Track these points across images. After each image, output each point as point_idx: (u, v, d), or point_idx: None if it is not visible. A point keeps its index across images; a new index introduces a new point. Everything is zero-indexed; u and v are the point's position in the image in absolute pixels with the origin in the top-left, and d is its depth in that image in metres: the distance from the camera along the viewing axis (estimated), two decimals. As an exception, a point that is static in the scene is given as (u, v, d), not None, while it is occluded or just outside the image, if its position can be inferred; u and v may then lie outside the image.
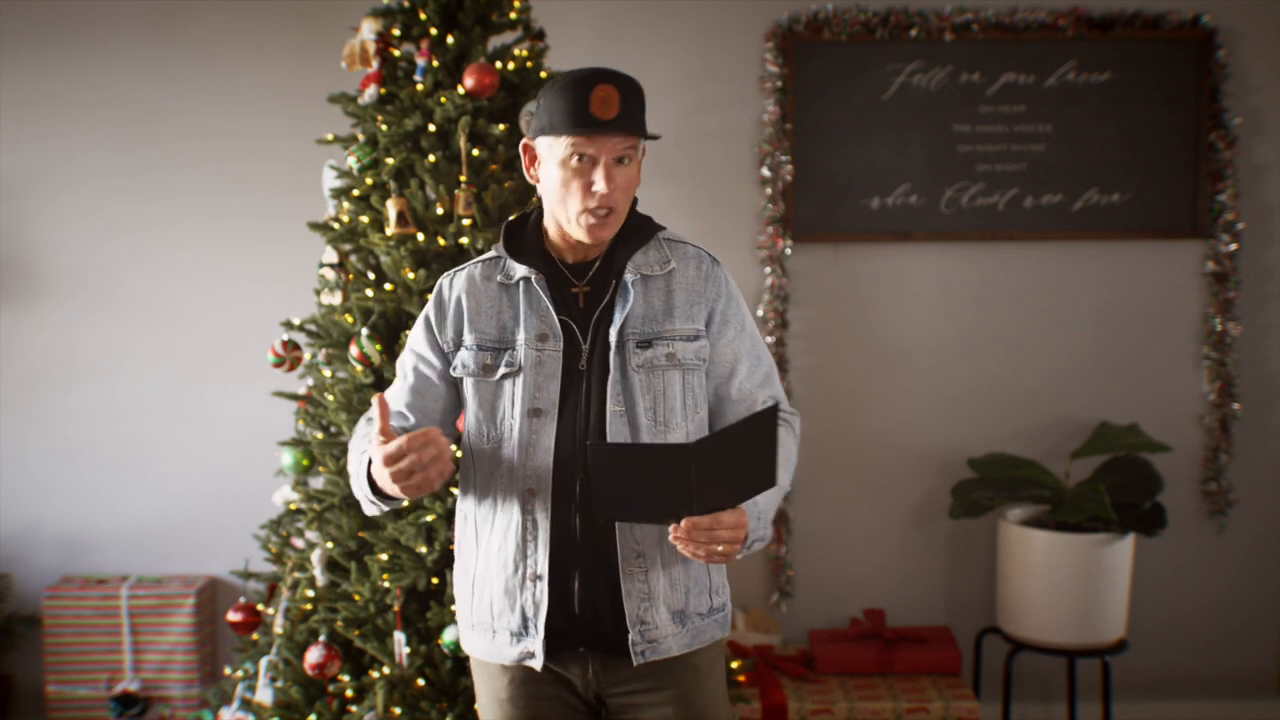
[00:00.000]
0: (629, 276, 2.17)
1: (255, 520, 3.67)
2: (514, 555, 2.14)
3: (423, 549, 2.98)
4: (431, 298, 2.27)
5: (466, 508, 2.24)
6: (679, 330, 2.17)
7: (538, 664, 2.15)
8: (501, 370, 2.17)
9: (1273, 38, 4.02)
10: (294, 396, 3.37)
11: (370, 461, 2.08)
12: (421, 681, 2.96)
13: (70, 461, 4.14)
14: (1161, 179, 4.05)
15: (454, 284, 2.25)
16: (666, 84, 3.88)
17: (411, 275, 3.04)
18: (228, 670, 3.44)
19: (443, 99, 3.09)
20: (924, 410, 4.13)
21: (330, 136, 3.32)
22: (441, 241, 3.07)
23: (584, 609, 2.14)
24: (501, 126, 3.12)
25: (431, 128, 3.12)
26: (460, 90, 3.09)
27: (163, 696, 3.97)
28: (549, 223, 2.20)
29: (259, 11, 4.03)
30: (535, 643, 2.14)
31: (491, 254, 2.26)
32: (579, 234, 2.13)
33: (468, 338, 2.20)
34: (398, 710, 2.93)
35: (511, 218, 2.29)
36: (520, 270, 2.19)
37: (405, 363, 2.29)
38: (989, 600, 4.10)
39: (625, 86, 2.08)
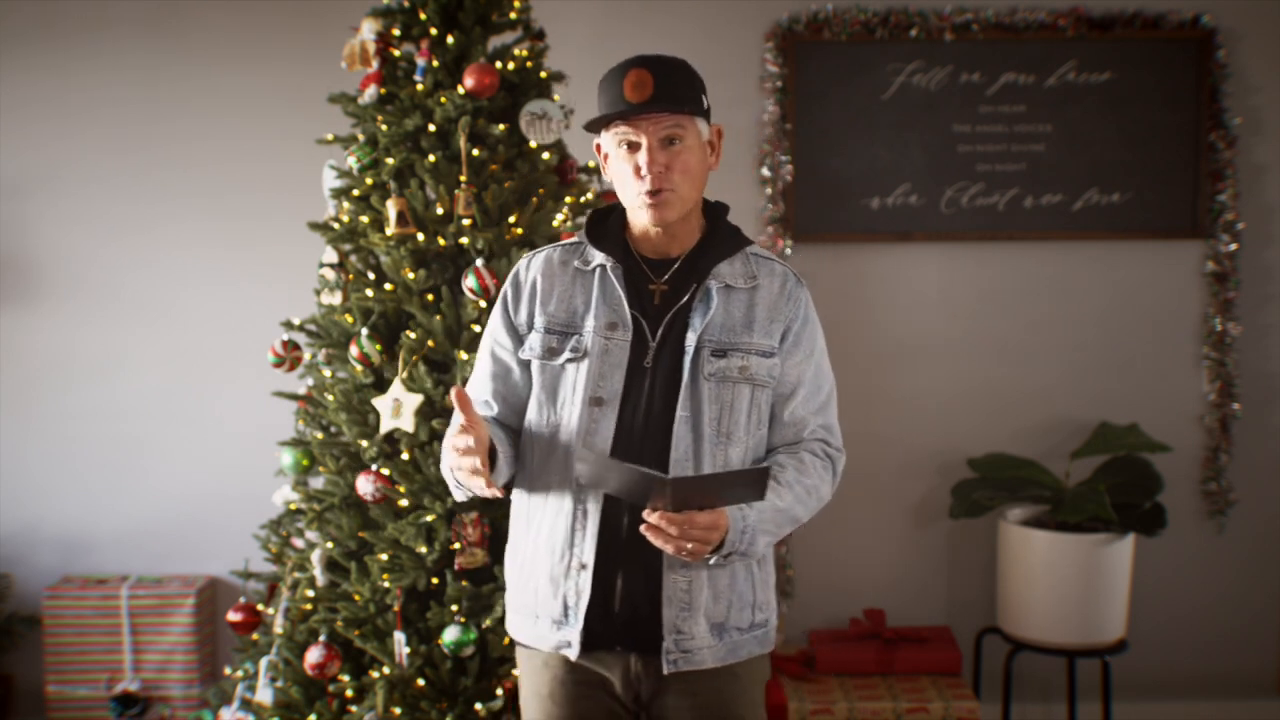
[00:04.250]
0: (713, 284, 2.16)
1: (255, 520, 3.66)
2: (562, 542, 2.13)
3: (423, 549, 2.97)
4: (509, 279, 2.27)
5: (521, 491, 2.23)
6: (756, 344, 2.16)
7: (573, 654, 2.13)
8: (566, 355, 2.16)
9: (1273, 38, 4.02)
10: (294, 396, 3.37)
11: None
12: (421, 681, 2.96)
13: (70, 461, 4.14)
14: (1161, 179, 4.05)
15: (531, 265, 2.26)
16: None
17: (411, 275, 3.04)
18: (228, 670, 3.44)
19: (443, 99, 3.09)
20: (924, 410, 4.12)
21: (330, 136, 3.31)
22: (441, 241, 3.07)
23: (624, 606, 2.12)
24: (501, 126, 3.12)
25: (431, 128, 3.12)
26: (460, 90, 3.09)
27: (163, 696, 3.97)
28: (630, 218, 2.22)
29: (259, 12, 4.03)
30: (573, 633, 2.13)
31: (574, 239, 2.26)
32: (643, 219, 2.15)
33: (538, 320, 2.20)
34: (398, 710, 2.93)
35: (599, 207, 2.30)
36: (598, 257, 2.20)
37: (483, 347, 2.28)
38: (989, 600, 4.10)
39: (659, 68, 2.11)
